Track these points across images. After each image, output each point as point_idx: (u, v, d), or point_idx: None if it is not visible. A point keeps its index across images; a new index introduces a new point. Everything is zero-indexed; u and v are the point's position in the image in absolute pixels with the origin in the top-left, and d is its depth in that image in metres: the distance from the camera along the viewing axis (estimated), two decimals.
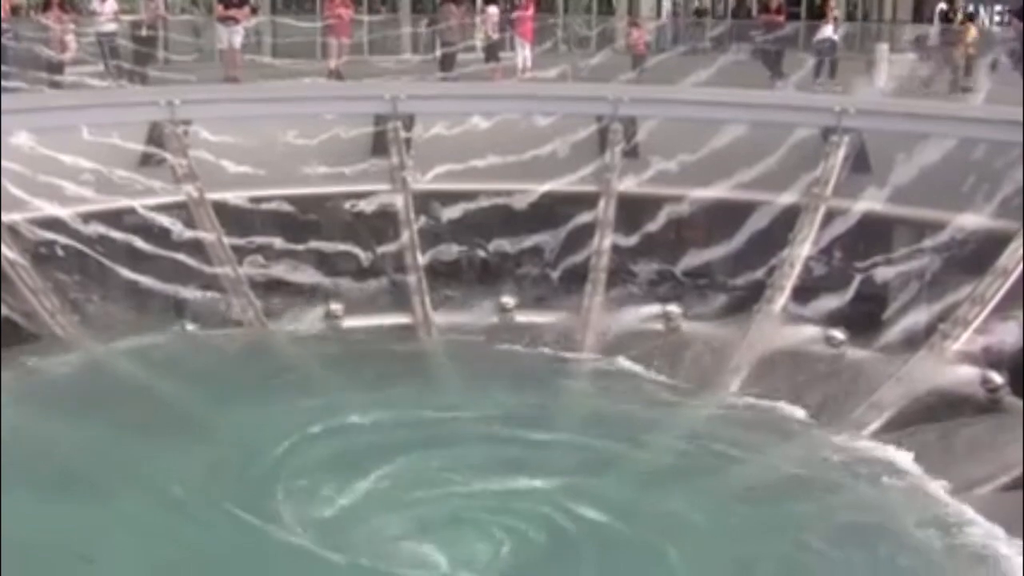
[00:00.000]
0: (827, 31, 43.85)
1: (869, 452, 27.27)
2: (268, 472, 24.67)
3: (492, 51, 44.69)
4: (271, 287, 34.15)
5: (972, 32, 45.52)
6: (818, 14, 51.12)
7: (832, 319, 31.81)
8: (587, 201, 35.61)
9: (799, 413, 29.45)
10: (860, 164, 33.37)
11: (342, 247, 34.98)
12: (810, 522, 23.79)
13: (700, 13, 64.31)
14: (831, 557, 22.34)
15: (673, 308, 33.89)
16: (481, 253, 36.12)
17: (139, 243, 32.07)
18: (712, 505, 24.14)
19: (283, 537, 21.97)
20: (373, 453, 25.49)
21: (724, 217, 34.34)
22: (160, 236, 32.50)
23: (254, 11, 44.71)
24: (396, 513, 23.35)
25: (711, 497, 24.56)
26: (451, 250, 36.02)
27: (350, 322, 34.26)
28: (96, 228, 31.52)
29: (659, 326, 33.71)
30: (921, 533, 23.36)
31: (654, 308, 34.08)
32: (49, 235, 30.95)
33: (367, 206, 35.27)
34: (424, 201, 35.82)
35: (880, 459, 26.85)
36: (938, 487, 25.21)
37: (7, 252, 29.66)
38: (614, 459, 26.28)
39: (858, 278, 32.15)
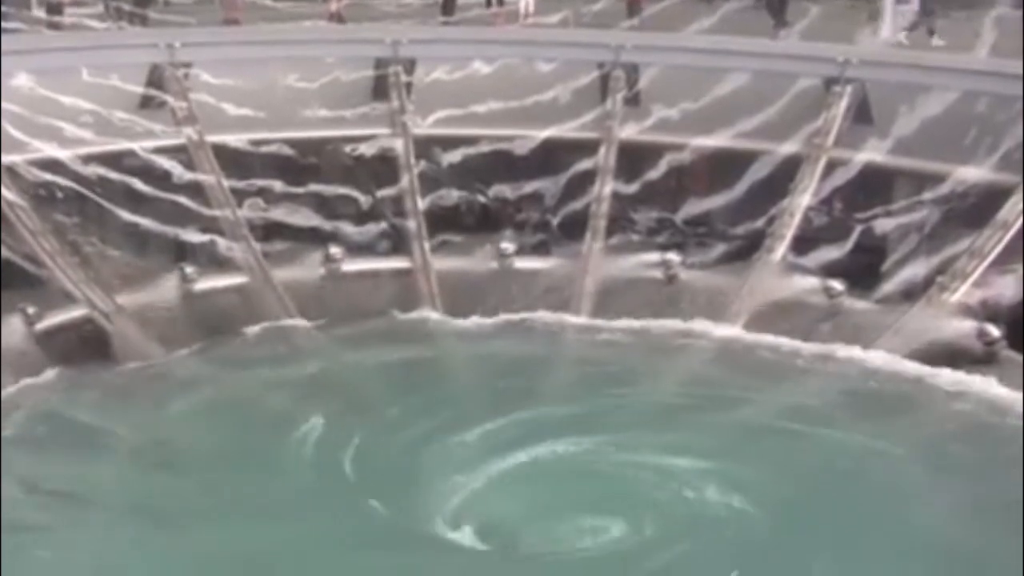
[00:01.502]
0: None
1: None
2: None
3: None
4: (270, 230, 34.07)
5: None
6: None
7: (831, 270, 31.88)
8: (588, 148, 35.44)
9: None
10: (862, 115, 33.25)
11: (342, 191, 34.92)
12: None
13: None
14: None
15: (672, 256, 33.89)
16: (481, 199, 36.02)
17: (139, 185, 31.96)
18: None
19: None
20: None
21: (725, 166, 34.29)
22: (160, 178, 32.40)
23: None
24: None
25: None
26: (451, 195, 35.90)
27: (349, 266, 34.18)
28: (96, 170, 31.44)
29: (658, 274, 33.71)
30: None
31: (653, 256, 34.06)
32: (48, 176, 30.86)
33: (367, 150, 35.16)
34: (424, 146, 35.65)
35: None
36: None
37: (6, 193, 29.54)
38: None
39: (858, 229, 32.18)
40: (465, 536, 21.58)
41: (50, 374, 28.24)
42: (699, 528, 21.94)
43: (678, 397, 28.63)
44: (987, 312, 28.84)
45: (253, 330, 31.43)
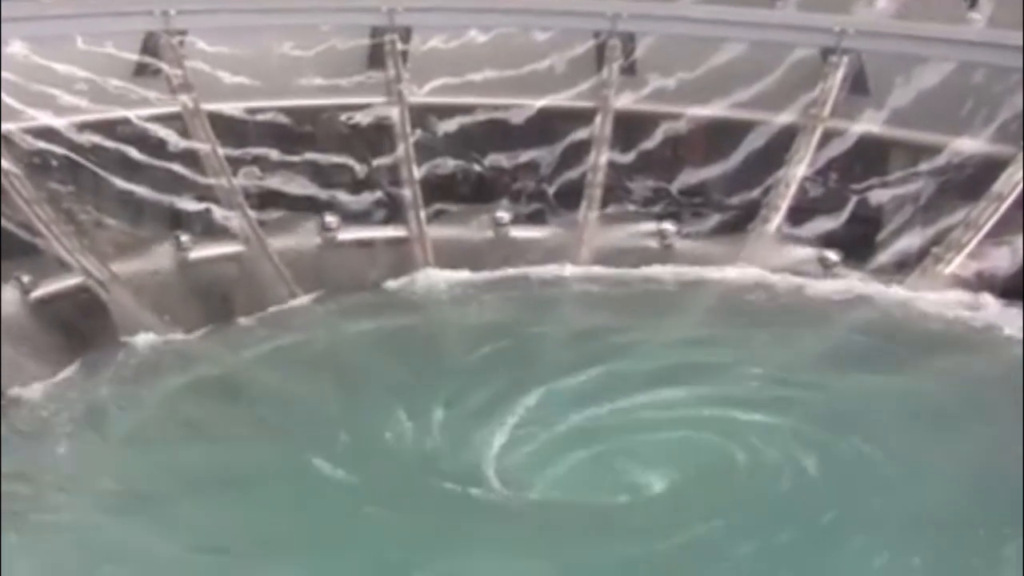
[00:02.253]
0: None
1: None
2: None
3: None
4: (266, 199, 34.01)
5: None
6: None
7: (826, 240, 31.94)
8: (584, 117, 35.43)
9: None
10: (858, 85, 33.22)
11: (337, 159, 34.89)
12: None
13: None
14: None
15: (668, 226, 33.94)
16: (477, 167, 36.01)
17: (134, 153, 31.93)
18: None
19: None
20: None
21: (721, 136, 34.32)
22: (155, 146, 32.35)
23: None
24: None
25: None
26: (447, 164, 35.89)
27: (345, 235, 34.18)
28: (90, 138, 31.37)
29: (653, 243, 33.75)
30: None
31: (649, 225, 34.11)
32: (43, 144, 30.77)
33: (363, 118, 35.11)
34: (420, 114, 35.60)
35: None
36: None
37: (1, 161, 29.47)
38: None
39: (853, 200, 32.27)
40: None
41: None
42: None
43: None
44: (982, 284, 28.86)
45: None
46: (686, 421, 24.27)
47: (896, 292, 29.88)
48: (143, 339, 28.56)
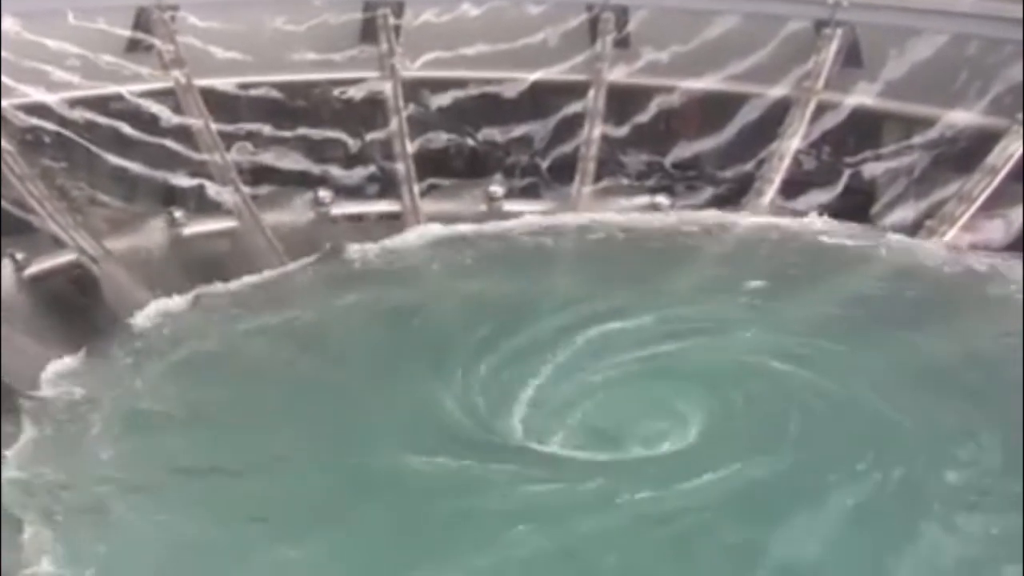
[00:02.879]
0: None
1: None
2: None
3: None
4: (259, 174, 33.96)
5: None
6: None
7: (820, 213, 31.93)
8: (577, 91, 35.41)
9: None
10: (852, 58, 33.18)
11: (330, 134, 34.83)
12: None
13: None
14: None
15: (662, 199, 33.93)
16: (470, 142, 36.00)
17: (126, 129, 31.89)
18: None
19: None
20: None
21: (714, 109, 34.30)
22: (147, 122, 32.31)
23: None
24: None
25: None
26: (440, 138, 35.89)
27: (338, 210, 34.15)
28: (83, 114, 31.34)
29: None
30: None
31: (642, 199, 34.10)
32: (35, 121, 30.71)
33: (356, 93, 35.05)
34: (413, 89, 35.56)
35: None
36: None
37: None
38: None
39: (847, 173, 32.28)
40: None
41: None
42: None
43: None
44: None
45: None
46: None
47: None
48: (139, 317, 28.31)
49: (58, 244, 29.48)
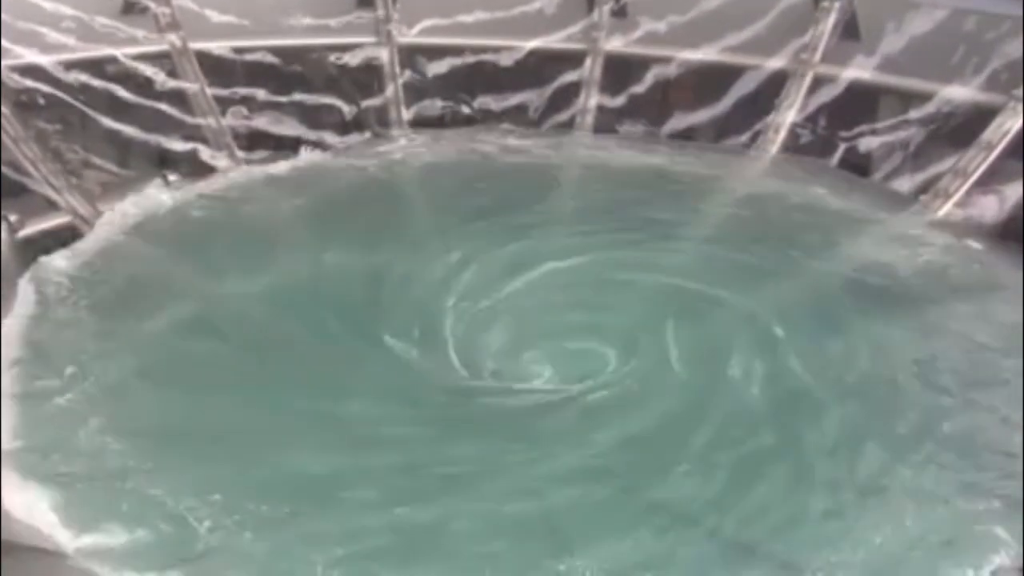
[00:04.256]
0: None
1: None
2: None
3: None
4: (253, 139, 33.87)
5: None
6: None
7: None
8: (574, 60, 35.40)
9: None
10: (850, 31, 33.09)
11: (326, 100, 34.76)
12: None
13: None
14: None
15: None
16: (465, 109, 35.93)
17: (121, 92, 31.71)
18: None
19: None
20: None
21: (711, 80, 34.21)
22: (142, 85, 32.13)
23: None
24: None
25: None
26: (435, 106, 35.83)
27: None
28: (78, 76, 31.12)
29: None
30: None
31: None
32: (30, 83, 30.52)
33: (352, 59, 34.95)
34: (409, 55, 35.48)
35: None
36: None
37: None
38: None
39: (842, 147, 32.28)
40: None
41: None
42: None
43: None
44: (969, 232, 28.94)
45: None
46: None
47: None
48: None
49: (52, 207, 29.37)
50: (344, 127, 34.85)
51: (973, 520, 18.60)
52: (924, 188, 30.24)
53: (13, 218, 28.49)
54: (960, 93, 30.48)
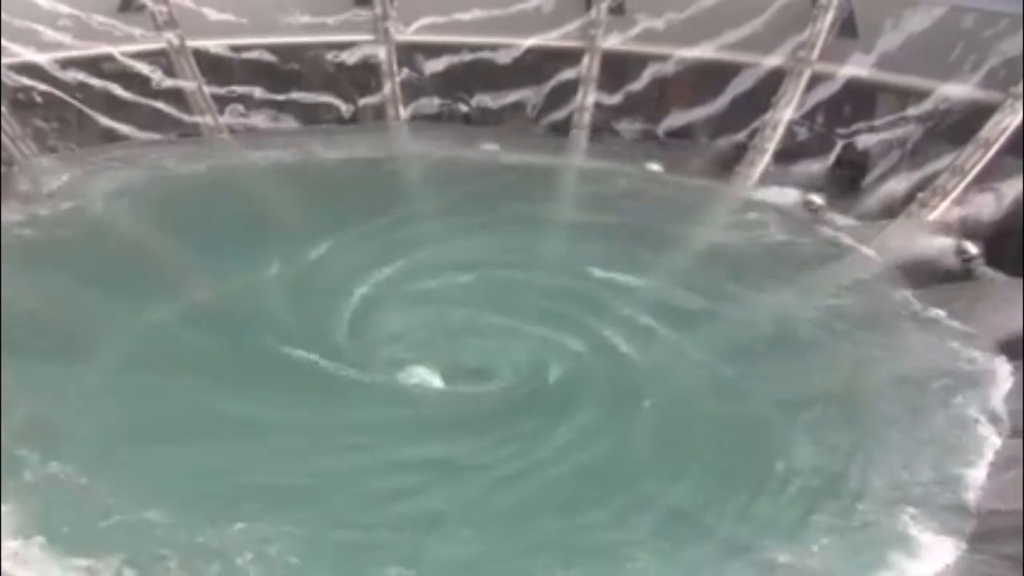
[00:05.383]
0: None
1: None
2: None
3: None
4: (251, 137, 33.90)
5: None
6: None
7: (812, 184, 31.92)
8: (571, 57, 35.34)
9: None
10: (847, 29, 33.01)
11: (323, 98, 34.82)
12: None
13: None
14: None
15: (654, 167, 33.88)
16: (463, 107, 35.95)
17: (118, 91, 31.78)
18: None
19: None
20: None
21: (708, 78, 34.13)
22: (140, 84, 32.19)
23: None
24: None
25: None
26: (433, 104, 35.86)
27: None
28: (75, 75, 31.20)
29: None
30: None
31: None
32: (27, 81, 30.57)
33: (349, 57, 35.01)
34: (407, 53, 35.48)
35: None
36: None
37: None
38: None
39: (840, 144, 32.22)
40: None
41: None
42: None
43: None
44: (966, 229, 28.91)
45: None
46: None
47: None
48: None
49: None
50: (342, 126, 34.87)
51: None
52: (921, 186, 30.15)
53: None
54: (958, 90, 30.39)
